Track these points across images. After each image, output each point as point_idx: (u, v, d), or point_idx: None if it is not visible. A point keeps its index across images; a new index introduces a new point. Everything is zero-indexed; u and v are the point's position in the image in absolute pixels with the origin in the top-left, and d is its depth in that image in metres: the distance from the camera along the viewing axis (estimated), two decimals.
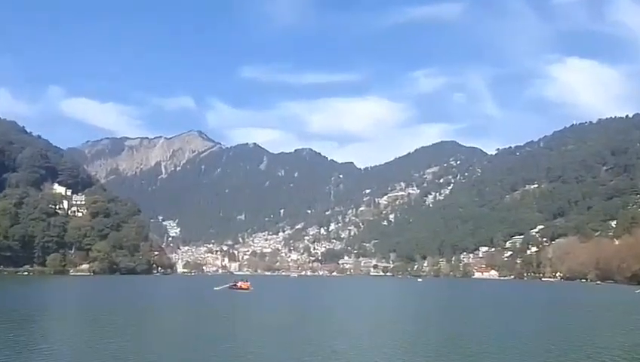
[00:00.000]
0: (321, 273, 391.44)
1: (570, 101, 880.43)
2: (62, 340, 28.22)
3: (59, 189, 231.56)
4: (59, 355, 22.45)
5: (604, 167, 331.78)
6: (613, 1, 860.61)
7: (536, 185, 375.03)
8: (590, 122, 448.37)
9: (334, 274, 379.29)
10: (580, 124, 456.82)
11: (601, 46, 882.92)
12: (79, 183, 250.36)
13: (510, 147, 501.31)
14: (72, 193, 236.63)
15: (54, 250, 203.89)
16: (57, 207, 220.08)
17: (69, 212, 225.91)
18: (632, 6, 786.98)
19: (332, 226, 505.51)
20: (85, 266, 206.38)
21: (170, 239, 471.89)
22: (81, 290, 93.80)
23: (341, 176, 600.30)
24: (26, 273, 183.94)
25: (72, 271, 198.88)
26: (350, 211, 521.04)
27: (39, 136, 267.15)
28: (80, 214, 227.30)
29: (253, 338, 30.50)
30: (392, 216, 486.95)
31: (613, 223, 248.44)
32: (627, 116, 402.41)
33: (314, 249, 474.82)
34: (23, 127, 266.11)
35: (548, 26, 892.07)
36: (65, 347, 25.36)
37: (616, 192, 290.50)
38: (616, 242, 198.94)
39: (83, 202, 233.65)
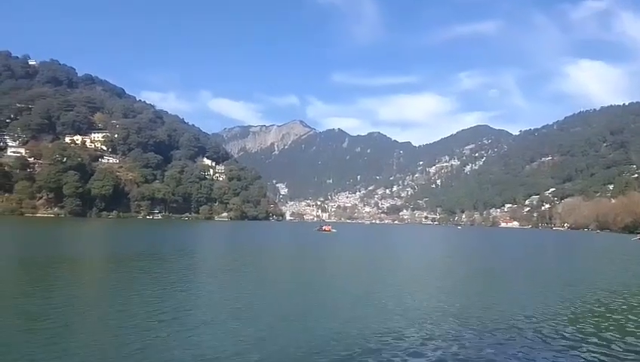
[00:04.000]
0: (386, 221, 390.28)
1: (579, 93, 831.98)
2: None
3: (207, 161, 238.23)
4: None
5: (605, 144, 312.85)
6: (619, 15, 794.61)
7: (549, 158, 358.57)
8: (594, 109, 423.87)
9: (396, 222, 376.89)
10: (586, 110, 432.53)
11: (607, 50, 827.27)
12: (220, 157, 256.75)
13: (530, 129, 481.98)
14: (216, 164, 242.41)
15: (204, 203, 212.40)
16: (206, 173, 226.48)
17: (214, 177, 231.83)
18: (634, 20, 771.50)
19: (395, 188, 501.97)
20: (225, 214, 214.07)
21: (281, 196, 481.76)
22: (228, 230, 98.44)
23: (401, 151, 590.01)
24: (186, 218, 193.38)
25: (216, 218, 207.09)
26: (408, 177, 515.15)
27: (193, 125, 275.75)
28: (221, 179, 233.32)
29: (332, 262, 31.65)
30: (438, 181, 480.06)
31: (611, 187, 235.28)
32: (624, 104, 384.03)
33: (381, 204, 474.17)
34: (183, 119, 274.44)
35: (565, 35, 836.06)
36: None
37: (614, 163, 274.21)
38: (612, 201, 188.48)
39: (223, 170, 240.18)
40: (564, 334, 12.10)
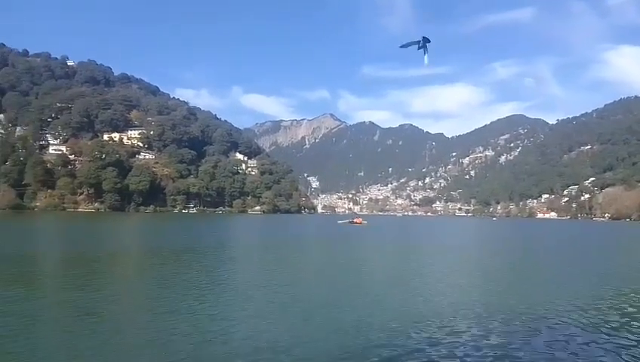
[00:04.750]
0: (418, 213, 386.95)
1: (619, 80, 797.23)
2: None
3: (239, 156, 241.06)
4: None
5: None
6: None
7: (589, 147, 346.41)
8: (636, 96, 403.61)
9: (429, 214, 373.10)
10: (627, 97, 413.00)
11: None
12: (252, 152, 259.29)
13: (568, 117, 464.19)
14: (248, 159, 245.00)
15: (237, 197, 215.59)
16: (239, 168, 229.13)
17: (246, 171, 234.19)
18: None
19: (427, 180, 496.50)
20: (257, 208, 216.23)
21: (312, 189, 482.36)
22: (262, 223, 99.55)
23: (434, 143, 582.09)
24: (220, 212, 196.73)
25: (249, 211, 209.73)
26: (441, 169, 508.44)
27: (226, 121, 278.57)
28: (253, 173, 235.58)
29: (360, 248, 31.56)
30: (472, 172, 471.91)
31: None
32: None
33: (414, 196, 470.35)
34: (216, 115, 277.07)
35: (604, 21, 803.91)
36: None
37: None
38: None
39: (255, 165, 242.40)
40: (609, 327, 11.80)
